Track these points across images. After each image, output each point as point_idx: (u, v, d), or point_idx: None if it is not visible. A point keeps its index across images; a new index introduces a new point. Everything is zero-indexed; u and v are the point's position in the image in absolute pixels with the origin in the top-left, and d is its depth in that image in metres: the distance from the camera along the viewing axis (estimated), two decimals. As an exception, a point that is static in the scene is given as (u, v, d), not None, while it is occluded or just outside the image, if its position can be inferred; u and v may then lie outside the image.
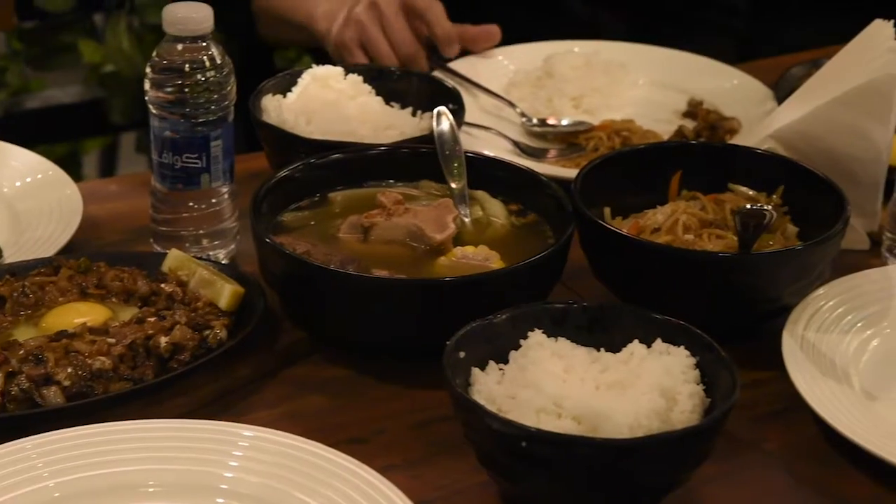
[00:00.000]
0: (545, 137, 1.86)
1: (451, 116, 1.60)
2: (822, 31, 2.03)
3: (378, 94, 1.75)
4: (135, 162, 3.44)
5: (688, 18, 2.36)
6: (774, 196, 1.54)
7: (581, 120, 1.87)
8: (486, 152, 1.71)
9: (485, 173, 1.57)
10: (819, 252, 1.42)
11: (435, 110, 1.62)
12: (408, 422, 1.35)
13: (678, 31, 2.32)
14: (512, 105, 1.90)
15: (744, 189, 1.56)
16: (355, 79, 1.74)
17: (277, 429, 1.27)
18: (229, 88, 1.51)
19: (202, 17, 1.47)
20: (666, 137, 1.82)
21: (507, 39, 2.03)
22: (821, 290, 1.46)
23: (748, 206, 1.41)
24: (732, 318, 1.45)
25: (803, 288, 1.44)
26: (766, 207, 1.40)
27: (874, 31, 1.60)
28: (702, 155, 1.60)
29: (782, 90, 1.86)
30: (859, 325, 1.44)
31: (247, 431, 1.26)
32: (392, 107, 1.74)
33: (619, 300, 1.47)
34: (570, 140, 1.85)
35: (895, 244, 1.58)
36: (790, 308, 1.43)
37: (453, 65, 1.97)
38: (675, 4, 2.36)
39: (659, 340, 1.29)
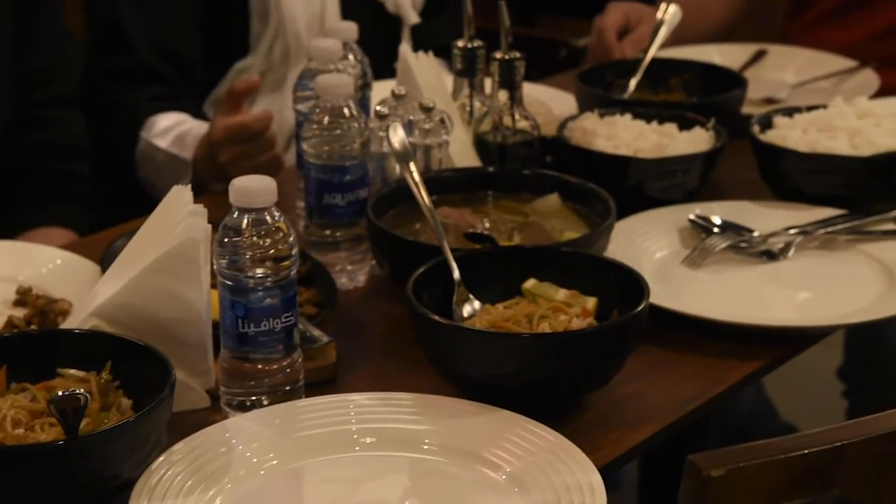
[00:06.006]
0: None
1: None
2: None
3: None
4: None
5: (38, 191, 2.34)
6: (104, 373, 1.53)
7: None
8: None
9: None
10: (150, 421, 1.42)
11: None
12: None
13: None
14: None
15: (73, 371, 1.54)
16: None
17: None
18: None
19: None
20: (-3, 331, 1.77)
21: None
22: (161, 458, 1.46)
23: (60, 392, 1.39)
24: (75, 506, 1.42)
25: (142, 459, 1.43)
26: (78, 391, 1.38)
27: (175, 197, 1.63)
28: (24, 345, 1.56)
29: (108, 263, 1.86)
30: (202, 486, 1.45)
31: None
32: None
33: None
34: None
35: (233, 397, 1.61)
36: (134, 482, 1.42)
37: None
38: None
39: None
